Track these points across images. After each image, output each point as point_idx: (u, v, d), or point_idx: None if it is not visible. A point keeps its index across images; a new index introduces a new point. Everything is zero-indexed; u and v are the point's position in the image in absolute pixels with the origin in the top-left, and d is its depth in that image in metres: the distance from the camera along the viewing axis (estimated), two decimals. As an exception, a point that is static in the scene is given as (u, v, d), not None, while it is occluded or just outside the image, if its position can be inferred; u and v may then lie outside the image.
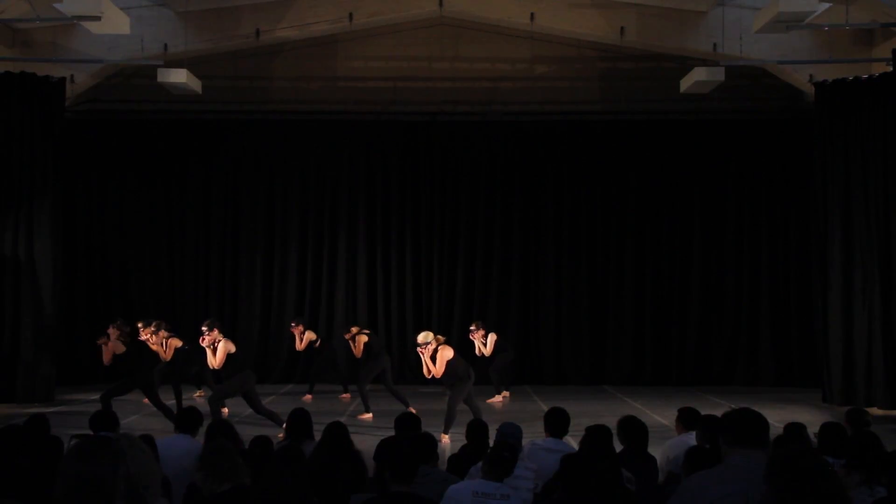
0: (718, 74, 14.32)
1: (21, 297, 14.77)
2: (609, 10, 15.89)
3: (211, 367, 11.70)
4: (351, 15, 15.82)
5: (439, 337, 11.82)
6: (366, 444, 7.46)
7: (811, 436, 6.69)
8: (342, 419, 8.63)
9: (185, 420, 7.12)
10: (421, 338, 11.71)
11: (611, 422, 6.81)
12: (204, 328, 11.43)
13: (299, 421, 7.06)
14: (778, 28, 12.82)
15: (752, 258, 18.11)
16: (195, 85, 14.97)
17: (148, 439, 5.91)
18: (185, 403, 12.05)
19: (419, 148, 18.50)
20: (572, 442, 7.38)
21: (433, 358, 11.52)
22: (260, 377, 17.66)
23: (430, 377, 11.88)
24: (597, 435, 6.12)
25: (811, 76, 15.42)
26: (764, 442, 3.71)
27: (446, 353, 11.54)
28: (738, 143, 17.96)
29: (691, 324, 18.15)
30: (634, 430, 6.57)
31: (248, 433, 6.98)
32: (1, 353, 14.63)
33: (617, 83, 17.85)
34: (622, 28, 15.85)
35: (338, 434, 6.45)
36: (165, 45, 15.51)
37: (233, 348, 11.37)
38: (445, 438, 10.78)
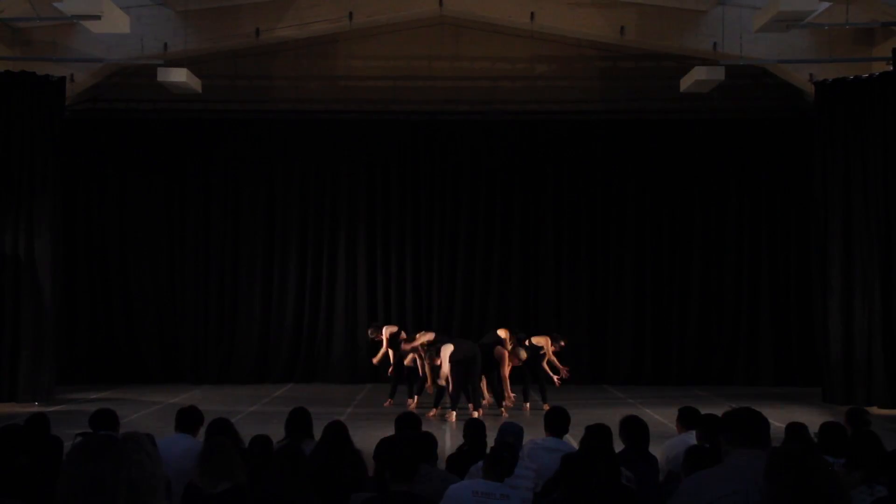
0: (718, 74, 14.32)
1: (21, 297, 14.75)
2: (609, 9, 15.88)
3: None
4: (351, 15, 15.80)
5: None
6: (366, 443, 7.45)
7: (811, 435, 6.69)
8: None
9: (186, 420, 7.10)
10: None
11: (611, 421, 6.80)
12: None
13: (299, 420, 7.04)
14: (778, 27, 12.81)
15: (752, 258, 18.10)
16: (195, 84, 14.96)
17: (149, 438, 5.90)
18: None
19: (419, 148, 18.48)
20: (572, 441, 7.37)
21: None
22: (260, 377, 17.80)
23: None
24: (597, 434, 6.11)
25: (811, 75, 15.42)
26: (764, 441, 3.70)
27: None
28: (738, 142, 17.94)
29: (691, 324, 18.14)
30: (636, 429, 6.55)
31: (248, 432, 6.96)
32: (1, 352, 14.62)
33: (617, 83, 17.83)
34: (622, 27, 15.84)
35: (338, 433, 6.44)
36: (165, 45, 15.51)
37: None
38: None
